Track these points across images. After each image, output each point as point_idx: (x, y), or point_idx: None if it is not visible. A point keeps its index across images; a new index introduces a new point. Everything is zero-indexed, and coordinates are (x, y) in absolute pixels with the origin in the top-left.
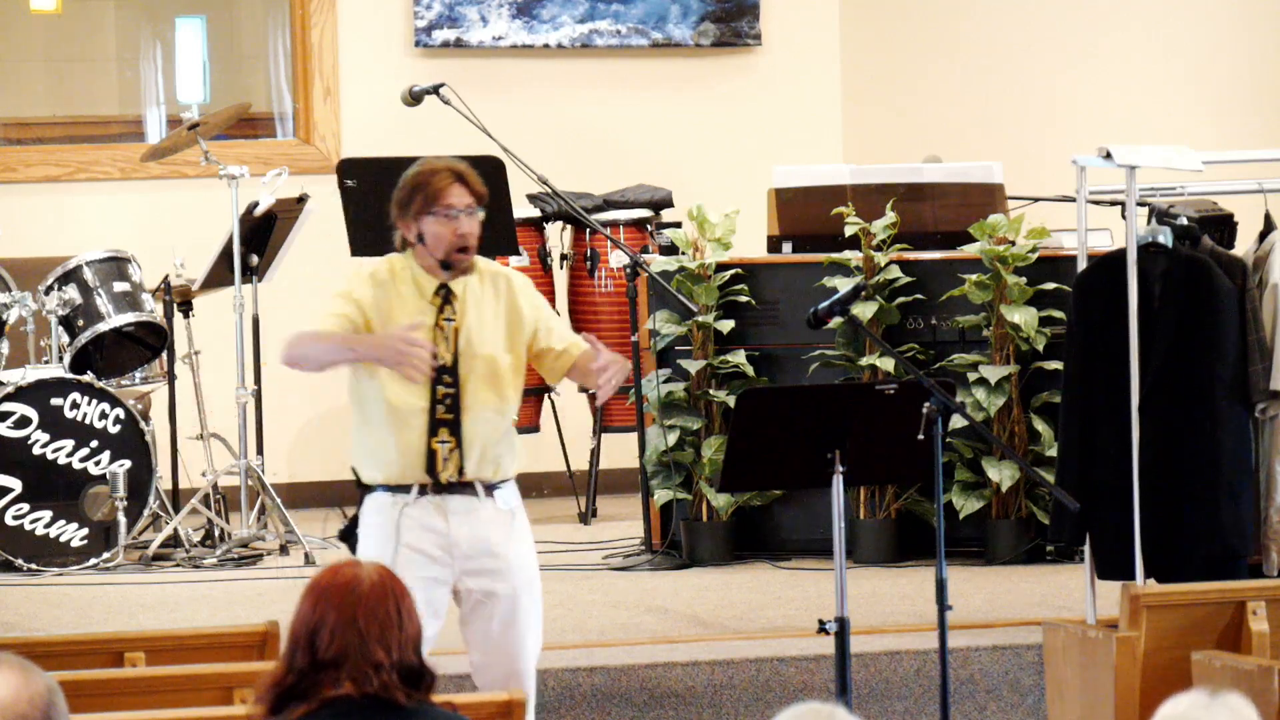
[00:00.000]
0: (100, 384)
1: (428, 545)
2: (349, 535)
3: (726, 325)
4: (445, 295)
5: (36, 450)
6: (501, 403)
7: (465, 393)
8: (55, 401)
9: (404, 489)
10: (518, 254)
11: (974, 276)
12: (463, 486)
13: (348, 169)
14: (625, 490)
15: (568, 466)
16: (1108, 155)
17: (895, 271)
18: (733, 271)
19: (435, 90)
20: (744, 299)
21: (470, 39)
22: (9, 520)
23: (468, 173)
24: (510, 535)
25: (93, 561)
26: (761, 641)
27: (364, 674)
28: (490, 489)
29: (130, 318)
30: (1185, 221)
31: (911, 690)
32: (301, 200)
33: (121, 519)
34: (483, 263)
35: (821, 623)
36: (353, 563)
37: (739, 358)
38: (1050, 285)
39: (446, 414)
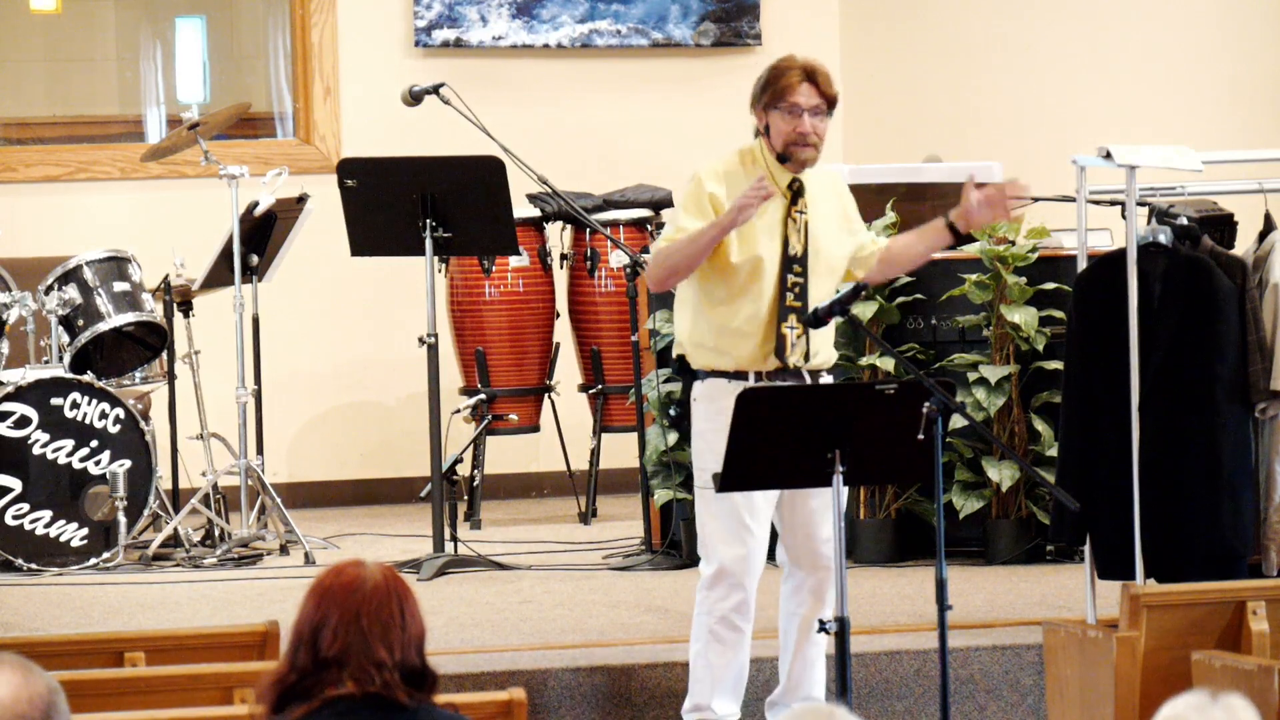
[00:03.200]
0: (100, 384)
1: None
2: (680, 422)
3: None
4: (797, 189)
5: (36, 450)
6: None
7: (810, 284)
8: (55, 401)
9: (743, 375)
10: (518, 254)
11: (974, 276)
12: (793, 374)
13: (348, 169)
14: (625, 490)
15: (568, 466)
16: (1108, 155)
17: None
18: None
19: (435, 90)
20: None
21: (470, 39)
22: (9, 520)
23: (820, 73)
24: None
25: (93, 561)
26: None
27: (366, 673)
28: (816, 377)
29: (130, 318)
30: (1185, 221)
31: (911, 690)
32: (301, 200)
33: (121, 519)
34: (821, 165)
35: (821, 623)
36: (356, 563)
37: None
38: (1050, 285)
39: (795, 302)
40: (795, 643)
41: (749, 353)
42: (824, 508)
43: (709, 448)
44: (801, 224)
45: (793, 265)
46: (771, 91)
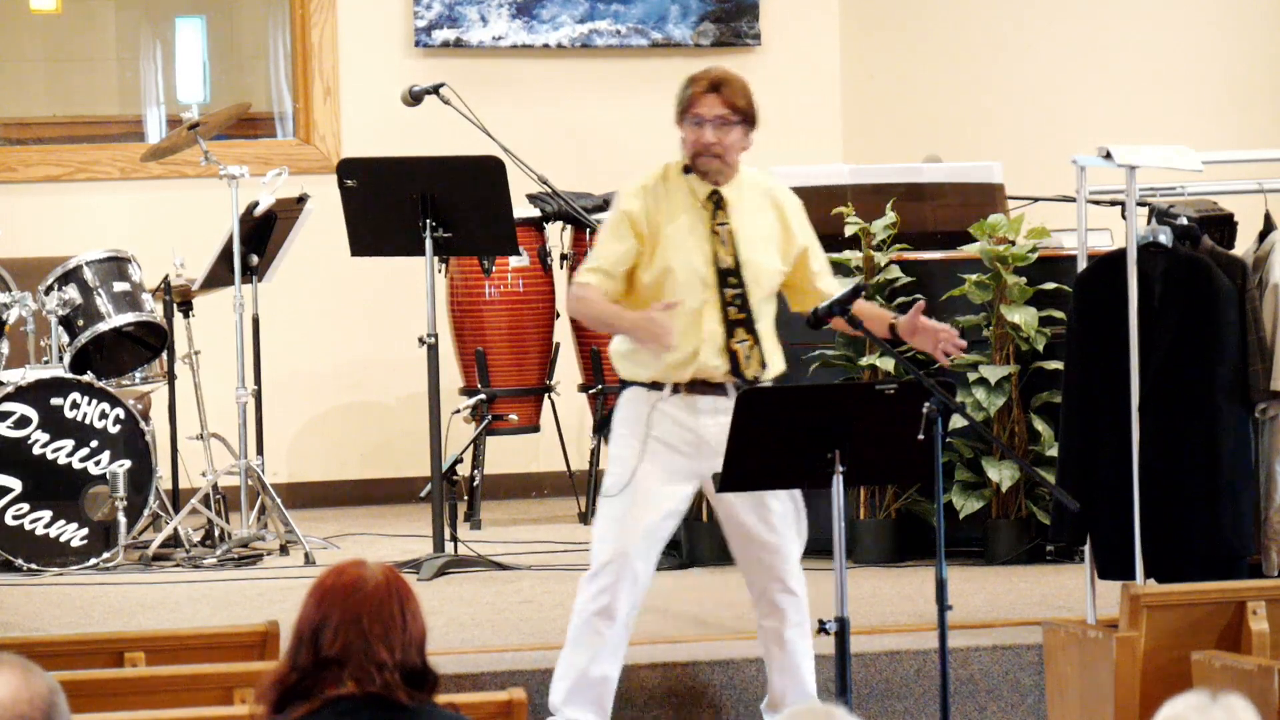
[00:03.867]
0: (100, 384)
1: (675, 440)
2: (603, 428)
3: None
4: (717, 201)
5: (36, 450)
6: (767, 307)
7: (750, 293)
8: (55, 401)
9: (659, 386)
10: (518, 254)
11: (974, 276)
12: (716, 387)
13: (348, 169)
14: None
15: (568, 466)
16: (1108, 155)
17: (895, 271)
18: None
19: (435, 90)
20: None
21: (470, 39)
22: (9, 520)
23: (728, 84)
24: None
25: (93, 561)
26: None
27: (367, 673)
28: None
29: (130, 318)
30: (1185, 221)
31: (911, 690)
32: (301, 200)
33: (121, 519)
34: (758, 175)
35: (821, 623)
36: (358, 563)
37: None
38: (1050, 285)
39: (739, 314)
40: (769, 654)
41: (663, 365)
42: (761, 522)
43: (616, 453)
44: (726, 235)
45: (727, 278)
46: (680, 103)
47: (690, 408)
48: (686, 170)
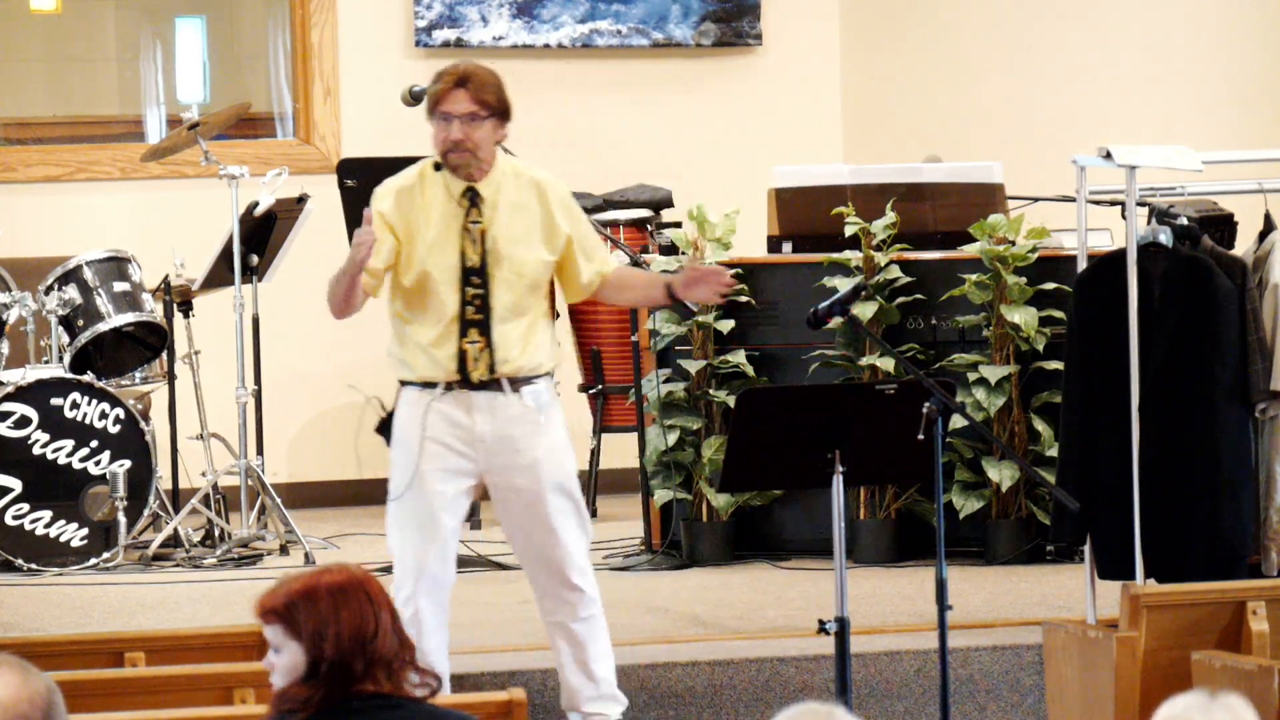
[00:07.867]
0: (100, 384)
1: (450, 439)
2: (384, 428)
3: (726, 325)
4: (472, 198)
5: (36, 450)
6: (528, 303)
7: (492, 294)
8: (55, 401)
9: (432, 385)
10: None
11: (974, 276)
12: (491, 383)
13: (348, 169)
14: (625, 490)
15: None
16: (1108, 155)
17: (895, 271)
18: (733, 271)
19: None
20: (744, 299)
21: (470, 39)
22: (9, 520)
23: (474, 80)
24: (536, 431)
25: (93, 561)
26: (761, 641)
27: (368, 674)
28: (516, 386)
29: (130, 318)
30: (1185, 221)
31: (911, 690)
32: (301, 200)
33: (121, 519)
34: (521, 167)
35: (821, 623)
36: (353, 567)
37: (739, 358)
38: (1050, 285)
39: (476, 315)
40: (557, 649)
41: (431, 366)
42: (538, 519)
43: (395, 457)
44: (477, 234)
45: (470, 277)
46: (428, 99)
47: (465, 405)
48: (438, 167)
